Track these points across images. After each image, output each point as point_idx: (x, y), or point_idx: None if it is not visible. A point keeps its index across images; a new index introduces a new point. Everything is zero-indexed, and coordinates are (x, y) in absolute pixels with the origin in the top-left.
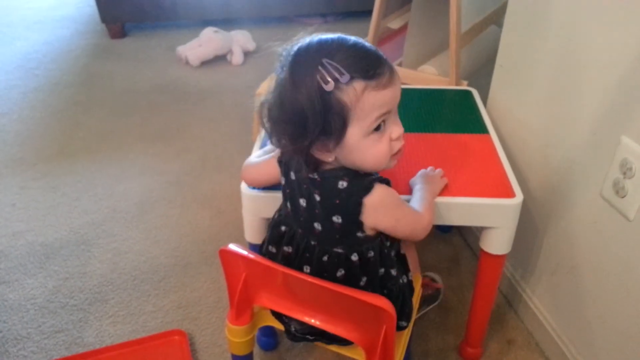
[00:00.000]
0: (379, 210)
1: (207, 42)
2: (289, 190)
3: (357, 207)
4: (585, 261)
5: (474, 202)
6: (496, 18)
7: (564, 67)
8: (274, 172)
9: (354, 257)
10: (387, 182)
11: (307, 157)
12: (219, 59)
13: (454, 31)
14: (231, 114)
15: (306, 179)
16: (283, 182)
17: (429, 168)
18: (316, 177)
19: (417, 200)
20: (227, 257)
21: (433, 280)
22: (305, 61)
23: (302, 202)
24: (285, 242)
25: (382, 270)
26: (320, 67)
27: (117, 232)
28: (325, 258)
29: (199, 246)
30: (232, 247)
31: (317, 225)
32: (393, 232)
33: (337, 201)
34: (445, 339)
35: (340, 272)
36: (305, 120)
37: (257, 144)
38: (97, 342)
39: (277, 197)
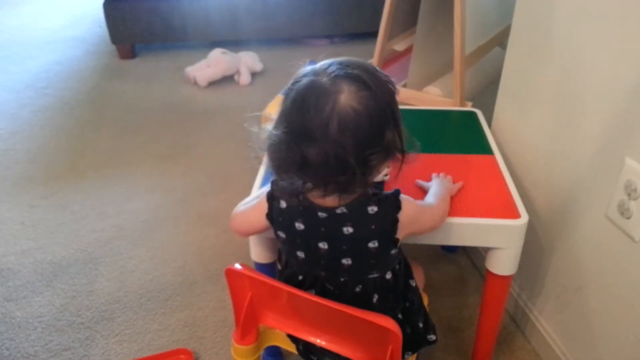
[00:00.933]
0: (411, 221)
1: (215, 63)
2: (299, 240)
3: (394, 225)
4: (591, 282)
5: (479, 222)
6: (500, 40)
7: (567, 88)
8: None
9: (388, 276)
10: (399, 191)
11: (356, 181)
12: (227, 80)
13: (458, 53)
14: (238, 134)
15: (326, 219)
16: (283, 236)
17: (441, 174)
18: (344, 210)
19: (430, 195)
20: (233, 277)
21: None
22: (376, 73)
23: (323, 245)
24: (306, 288)
25: (403, 281)
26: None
27: (124, 250)
28: (358, 289)
29: (205, 265)
30: (238, 266)
31: (347, 261)
32: (420, 232)
33: (374, 226)
34: (452, 359)
35: (375, 298)
36: (383, 132)
37: (264, 164)
38: None
39: (266, 228)
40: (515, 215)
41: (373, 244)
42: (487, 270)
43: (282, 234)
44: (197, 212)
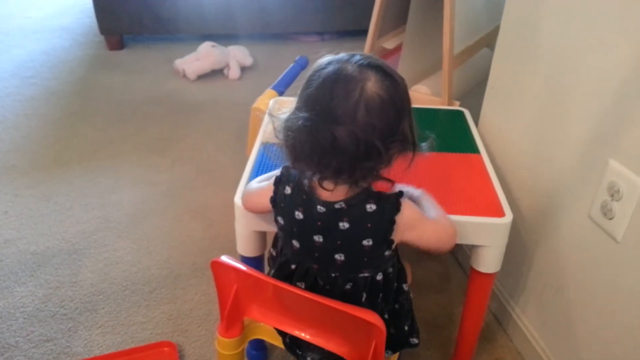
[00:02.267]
0: (408, 225)
1: (204, 56)
2: (296, 229)
3: (390, 226)
4: (573, 281)
5: (464, 220)
6: (488, 41)
7: (553, 90)
8: None
9: (379, 277)
10: (402, 193)
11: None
12: (216, 73)
13: (447, 53)
14: (226, 128)
15: (323, 214)
16: (282, 222)
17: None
18: (342, 205)
19: (431, 210)
20: (218, 269)
21: None
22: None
23: (318, 238)
24: (297, 278)
25: (396, 284)
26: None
27: (108, 242)
28: (348, 286)
29: (190, 258)
30: (224, 259)
31: (340, 256)
32: (421, 244)
33: (369, 225)
34: (435, 356)
35: (364, 297)
36: (402, 122)
37: (252, 159)
38: (85, 352)
39: (270, 210)
40: (500, 213)
41: (367, 242)
42: (471, 268)
43: (280, 220)
44: (183, 205)
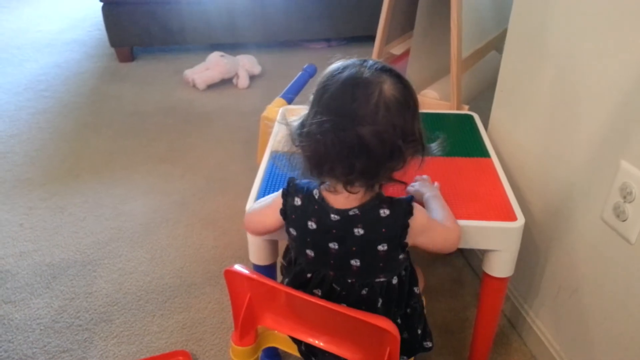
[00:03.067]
0: (420, 229)
1: (213, 66)
2: (310, 239)
3: (404, 230)
4: (587, 284)
5: (476, 225)
6: (496, 44)
7: (563, 92)
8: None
9: (395, 281)
10: (413, 198)
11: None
12: (225, 83)
13: (455, 57)
14: (236, 136)
15: (338, 221)
16: (294, 233)
17: (425, 176)
18: (356, 212)
19: (438, 212)
20: (231, 278)
21: None
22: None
23: (333, 245)
24: (313, 286)
25: (407, 287)
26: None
27: (122, 252)
28: (364, 292)
29: (203, 267)
30: (237, 267)
31: (355, 262)
32: (429, 246)
33: (384, 230)
34: None
35: (380, 302)
36: (415, 124)
37: (262, 167)
38: None
39: (274, 230)
40: (512, 217)
41: (382, 247)
42: (484, 273)
43: (293, 232)
44: (195, 214)
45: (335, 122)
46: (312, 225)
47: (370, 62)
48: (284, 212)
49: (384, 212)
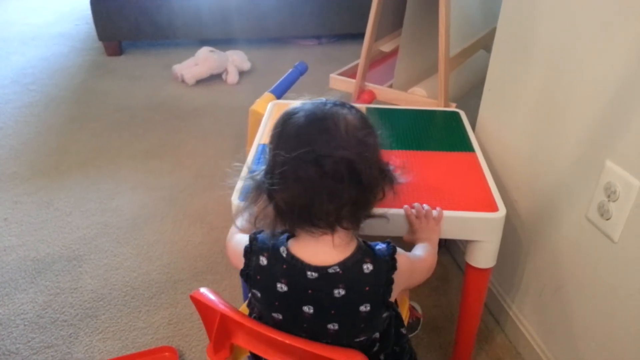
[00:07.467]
0: (405, 278)
1: (203, 61)
2: (278, 303)
3: (388, 287)
4: (570, 282)
5: (458, 215)
6: (485, 43)
7: (550, 92)
8: None
9: (376, 335)
10: (395, 247)
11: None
12: (214, 78)
13: (443, 54)
14: (225, 132)
15: (315, 280)
16: (259, 295)
17: (425, 206)
18: (337, 270)
19: (422, 247)
20: (199, 301)
21: (414, 309)
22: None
23: (308, 309)
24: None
25: (393, 332)
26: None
27: (109, 247)
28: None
29: (190, 263)
30: (204, 292)
31: (333, 326)
32: (412, 285)
33: (367, 288)
34: (434, 357)
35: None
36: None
37: (250, 158)
38: (86, 358)
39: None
40: (494, 208)
41: (365, 308)
42: (467, 264)
43: (257, 293)
44: (183, 210)
45: (313, 152)
46: (282, 287)
47: (324, 100)
48: (246, 273)
49: (367, 267)
